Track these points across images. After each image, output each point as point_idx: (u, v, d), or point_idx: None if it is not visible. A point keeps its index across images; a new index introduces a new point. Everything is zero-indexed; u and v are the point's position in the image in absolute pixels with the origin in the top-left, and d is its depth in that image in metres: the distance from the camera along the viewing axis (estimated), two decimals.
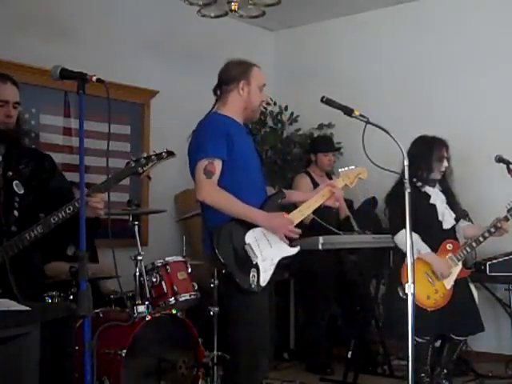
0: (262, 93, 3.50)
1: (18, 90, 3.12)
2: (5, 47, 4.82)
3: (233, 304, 3.35)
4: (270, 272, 3.29)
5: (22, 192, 3.09)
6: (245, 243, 3.27)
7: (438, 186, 4.35)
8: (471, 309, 4.27)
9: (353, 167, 3.60)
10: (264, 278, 3.26)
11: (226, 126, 3.37)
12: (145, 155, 3.06)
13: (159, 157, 3.06)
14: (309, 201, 3.51)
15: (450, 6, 6.04)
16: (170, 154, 3.09)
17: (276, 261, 3.33)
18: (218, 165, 3.28)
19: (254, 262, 3.25)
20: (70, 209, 2.95)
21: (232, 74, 3.46)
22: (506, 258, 5.06)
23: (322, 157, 5.64)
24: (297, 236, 3.35)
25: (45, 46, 5.07)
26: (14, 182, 3.09)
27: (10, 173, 3.08)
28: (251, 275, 3.23)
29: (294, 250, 3.41)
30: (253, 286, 3.23)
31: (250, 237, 3.29)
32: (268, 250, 3.31)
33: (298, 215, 3.44)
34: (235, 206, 3.26)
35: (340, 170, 3.62)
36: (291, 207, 3.58)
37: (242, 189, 3.31)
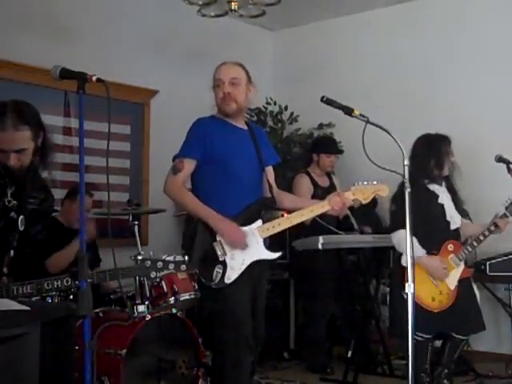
0: (221, 88, 3.45)
1: (22, 130, 2.80)
2: (5, 47, 4.82)
3: (206, 300, 3.47)
4: (239, 271, 3.34)
5: (22, 229, 2.93)
6: (215, 240, 3.34)
7: (443, 184, 4.33)
8: (473, 308, 4.26)
9: (374, 182, 3.50)
10: (229, 276, 3.32)
11: (207, 127, 3.47)
12: (163, 258, 2.88)
13: (177, 267, 2.86)
14: (304, 209, 3.50)
15: (449, 5, 6.04)
16: (192, 266, 2.99)
17: (248, 262, 3.37)
18: (187, 163, 3.40)
19: (221, 259, 3.33)
20: (67, 281, 2.81)
21: None
22: (506, 257, 5.06)
23: (324, 158, 5.62)
24: (243, 248, 3.35)
25: (45, 45, 5.07)
26: (20, 218, 2.92)
27: (16, 204, 2.89)
28: (215, 271, 3.30)
29: (273, 255, 3.45)
30: (214, 282, 3.30)
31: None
32: (240, 250, 3.35)
33: (286, 222, 3.47)
34: (190, 203, 3.38)
35: (355, 184, 3.50)
36: None
37: (217, 190, 3.39)
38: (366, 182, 3.50)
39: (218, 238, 3.35)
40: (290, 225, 3.48)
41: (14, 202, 2.90)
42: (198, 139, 3.43)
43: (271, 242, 3.48)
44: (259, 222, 3.44)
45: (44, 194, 3.10)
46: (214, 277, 3.30)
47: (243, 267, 3.35)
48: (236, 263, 3.34)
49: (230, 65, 3.51)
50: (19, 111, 2.81)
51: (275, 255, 3.45)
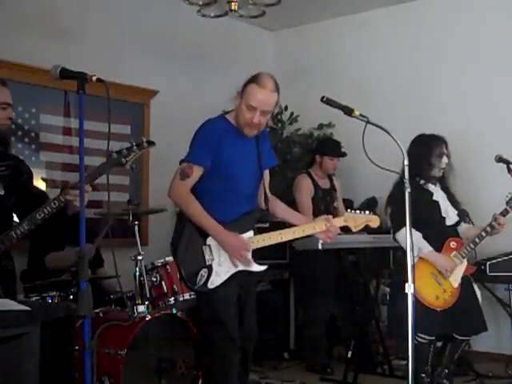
0: (251, 112, 3.30)
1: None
2: (5, 47, 4.82)
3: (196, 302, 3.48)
4: (223, 278, 3.32)
5: (2, 193, 3.07)
6: (204, 243, 3.32)
7: (438, 184, 4.36)
8: (475, 309, 4.26)
9: (367, 213, 3.55)
10: (213, 282, 3.30)
11: (219, 133, 3.36)
12: (126, 147, 3.09)
13: (140, 147, 3.10)
14: (296, 227, 3.48)
15: (450, 5, 6.04)
16: (150, 143, 3.14)
17: (233, 271, 3.34)
18: (196, 170, 3.33)
19: (208, 263, 3.31)
20: (55, 203, 2.94)
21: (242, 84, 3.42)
22: (506, 257, 5.07)
23: (327, 160, 5.60)
24: (247, 261, 3.34)
25: (45, 45, 5.07)
26: None
27: None
28: (200, 274, 3.28)
29: (260, 268, 3.43)
30: (198, 285, 3.29)
31: (213, 239, 3.33)
32: (227, 257, 3.34)
33: (276, 237, 3.44)
34: (196, 212, 3.31)
35: (348, 211, 3.54)
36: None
37: (216, 196, 3.35)
38: (358, 211, 3.55)
39: (208, 242, 3.33)
40: (280, 241, 3.45)
41: None
42: (209, 146, 3.34)
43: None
44: (250, 233, 3.42)
45: (13, 161, 3.21)
46: (197, 280, 3.29)
47: (228, 275, 3.33)
48: (222, 270, 3.32)
49: (268, 92, 3.31)
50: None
51: (261, 268, 3.42)
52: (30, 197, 3.16)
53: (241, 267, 3.36)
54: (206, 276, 3.29)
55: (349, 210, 3.55)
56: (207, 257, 3.32)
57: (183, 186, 3.34)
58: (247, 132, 3.38)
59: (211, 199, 3.34)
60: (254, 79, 3.34)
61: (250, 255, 3.37)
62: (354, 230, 3.56)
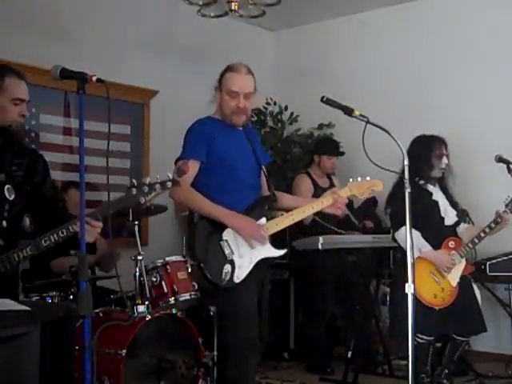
0: (235, 99, 3.40)
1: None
2: (5, 47, 4.81)
3: (214, 301, 3.49)
4: (247, 270, 3.34)
5: (12, 198, 2.94)
6: (221, 239, 3.33)
7: (437, 185, 4.37)
8: (474, 309, 4.27)
9: (368, 178, 3.57)
10: (238, 275, 3.31)
11: (209, 128, 3.43)
12: (147, 182, 2.82)
13: (163, 186, 2.81)
14: (305, 206, 3.51)
15: (450, 5, 6.04)
16: (175, 183, 2.85)
17: (256, 260, 3.37)
18: (192, 165, 3.35)
19: (229, 258, 3.32)
20: (63, 232, 2.81)
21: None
22: (506, 258, 5.07)
23: (325, 159, 5.61)
24: (263, 241, 3.35)
25: (45, 45, 5.07)
26: (6, 187, 2.93)
27: (3, 176, 2.93)
28: (224, 271, 3.29)
29: (280, 252, 3.45)
30: (224, 281, 3.29)
31: (229, 233, 3.35)
32: (247, 248, 3.36)
33: (288, 219, 3.47)
34: (201, 203, 3.34)
35: (350, 180, 3.56)
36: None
37: (219, 189, 3.37)
38: (359, 179, 3.55)
39: (224, 237, 3.34)
40: (292, 222, 3.48)
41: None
42: (201, 140, 3.40)
43: (271, 242, 3.48)
44: (263, 220, 3.45)
45: (29, 158, 3.06)
46: (223, 276, 3.29)
47: (251, 265, 3.35)
48: (244, 262, 3.34)
49: (244, 75, 3.42)
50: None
51: (281, 252, 3.45)
52: (42, 201, 3.06)
53: (262, 255, 3.37)
54: (230, 271, 3.30)
55: (351, 180, 3.57)
56: (227, 252, 3.32)
57: (182, 183, 3.33)
58: (236, 120, 3.45)
59: (216, 194, 3.36)
60: (227, 69, 3.45)
61: (266, 236, 3.38)
62: (360, 197, 3.58)
